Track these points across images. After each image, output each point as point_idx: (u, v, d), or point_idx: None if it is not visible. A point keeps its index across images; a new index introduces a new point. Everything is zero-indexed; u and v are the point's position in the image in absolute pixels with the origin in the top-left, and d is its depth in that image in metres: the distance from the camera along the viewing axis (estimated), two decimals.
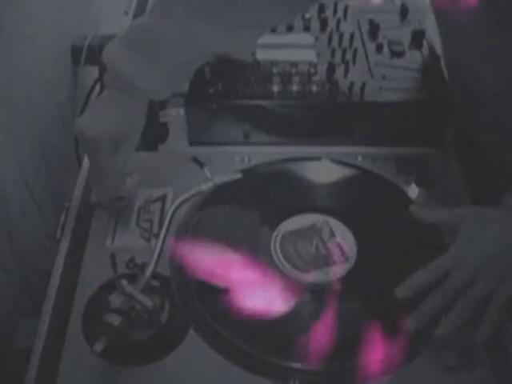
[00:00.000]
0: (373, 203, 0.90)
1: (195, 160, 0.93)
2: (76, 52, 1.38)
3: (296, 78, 0.95)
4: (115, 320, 0.71)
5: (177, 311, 0.77)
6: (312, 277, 0.80)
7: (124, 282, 0.73)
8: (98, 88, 1.10)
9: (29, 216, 1.13)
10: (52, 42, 1.27)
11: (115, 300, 0.73)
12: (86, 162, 0.97)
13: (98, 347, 0.70)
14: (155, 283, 0.78)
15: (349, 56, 1.00)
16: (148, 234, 0.86)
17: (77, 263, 0.84)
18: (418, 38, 1.03)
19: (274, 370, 0.72)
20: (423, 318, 0.73)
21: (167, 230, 0.83)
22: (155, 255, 0.79)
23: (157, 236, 0.83)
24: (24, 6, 1.12)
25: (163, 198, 0.90)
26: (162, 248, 0.81)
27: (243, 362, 0.73)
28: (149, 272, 0.77)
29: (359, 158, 0.96)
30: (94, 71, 1.37)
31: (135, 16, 1.26)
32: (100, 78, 1.13)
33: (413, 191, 0.92)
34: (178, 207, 0.86)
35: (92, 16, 1.49)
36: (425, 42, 1.03)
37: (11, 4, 1.05)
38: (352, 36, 1.04)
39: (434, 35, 1.04)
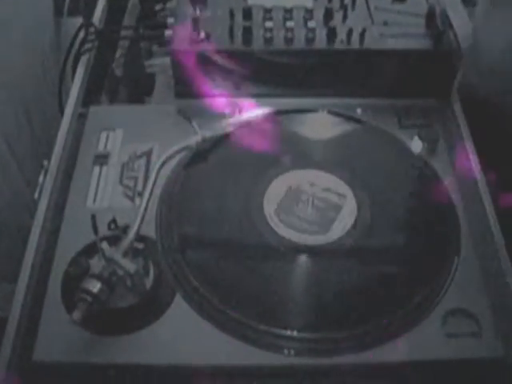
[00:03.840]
0: (371, 157, 0.85)
1: (182, 113, 0.87)
2: (58, 2, 1.32)
3: (290, 24, 0.89)
4: (95, 286, 0.65)
5: (162, 276, 0.72)
6: (334, 234, 0.76)
7: (105, 245, 0.68)
8: (81, 36, 1.04)
9: (9, 173, 1.08)
10: None
11: (96, 265, 0.68)
12: (66, 116, 0.91)
13: (77, 315, 0.64)
14: (139, 245, 0.72)
15: (347, 1, 0.93)
16: (132, 193, 0.81)
17: (56, 225, 0.79)
18: None
19: (267, 338, 0.67)
20: None
21: (152, 188, 0.78)
22: (139, 215, 0.74)
23: (141, 194, 0.78)
24: None
25: (148, 154, 0.84)
26: (146, 207, 0.75)
27: (233, 329, 0.68)
28: (132, 234, 0.71)
29: (358, 110, 0.90)
30: (77, 23, 1.32)
31: None
32: (83, 25, 1.07)
33: (416, 146, 0.86)
34: (164, 163, 0.81)
35: None
36: None
37: None
38: None
39: None
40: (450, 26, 0.91)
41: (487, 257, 0.75)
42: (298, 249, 0.75)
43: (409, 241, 0.77)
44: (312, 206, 0.78)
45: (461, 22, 0.92)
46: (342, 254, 0.75)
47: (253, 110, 0.89)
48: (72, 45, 1.06)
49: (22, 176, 1.12)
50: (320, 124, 0.90)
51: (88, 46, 1.00)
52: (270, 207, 0.78)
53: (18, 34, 1.12)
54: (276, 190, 0.80)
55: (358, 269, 0.74)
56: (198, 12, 0.89)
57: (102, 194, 0.81)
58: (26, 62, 1.17)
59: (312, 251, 0.74)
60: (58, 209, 0.81)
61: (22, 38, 1.15)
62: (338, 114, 0.90)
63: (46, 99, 1.21)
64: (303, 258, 0.74)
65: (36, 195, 0.83)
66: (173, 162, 0.82)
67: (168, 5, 1.03)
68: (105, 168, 0.84)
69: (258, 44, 0.87)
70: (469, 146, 0.87)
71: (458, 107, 0.92)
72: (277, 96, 0.92)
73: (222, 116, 0.88)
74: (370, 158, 0.85)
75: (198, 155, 0.84)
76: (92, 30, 1.02)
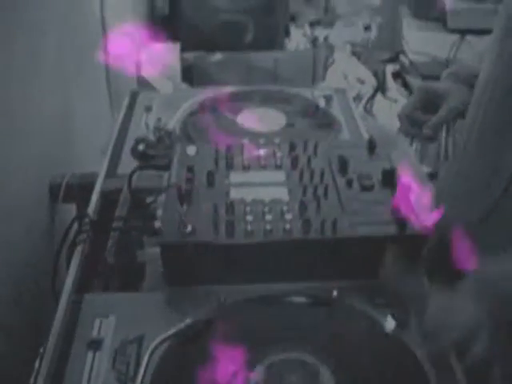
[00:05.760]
0: (348, 337, 0.90)
1: (172, 300, 0.93)
2: (54, 189, 1.41)
3: (269, 217, 0.97)
4: None
5: None
6: None
7: None
8: (75, 226, 1.12)
9: (3, 359, 1.11)
10: (30, 179, 1.30)
11: None
12: (62, 303, 0.96)
13: None
14: None
15: (320, 192, 1.03)
16: (124, 378, 0.85)
17: None
18: (388, 176, 1.06)
19: None
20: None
21: (144, 373, 0.82)
22: None
23: (134, 379, 0.82)
24: (5, 146, 1.15)
25: (140, 340, 0.89)
26: None
27: None
28: None
29: (334, 293, 0.96)
30: (71, 209, 1.40)
31: (112, 155, 1.30)
32: (78, 216, 1.15)
33: (389, 324, 0.92)
34: (155, 349, 0.85)
35: (70, 154, 1.53)
36: (395, 180, 1.06)
37: None
38: (323, 172, 1.07)
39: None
40: (415, 215, 1.00)
41: None
42: None
43: None
44: None
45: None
46: None
47: (237, 296, 0.95)
48: (66, 233, 1.13)
49: (14, 360, 1.15)
50: (300, 308, 0.95)
51: (82, 236, 1.07)
52: None
53: (15, 221, 1.20)
54: (260, 371, 0.85)
55: None
56: (184, 206, 0.97)
57: (96, 379, 0.84)
58: (22, 245, 1.23)
59: None
60: None
61: (19, 224, 1.22)
62: (314, 297, 0.96)
63: (40, 283, 1.26)
64: None
65: (32, 380, 0.87)
66: (163, 347, 0.87)
67: (158, 198, 1.10)
68: (98, 353, 0.88)
69: (239, 237, 0.95)
70: None
71: (425, 280, 0.99)
72: (260, 282, 0.97)
73: (210, 302, 0.93)
74: (346, 339, 0.90)
75: (188, 340, 0.88)
76: (86, 220, 1.10)
